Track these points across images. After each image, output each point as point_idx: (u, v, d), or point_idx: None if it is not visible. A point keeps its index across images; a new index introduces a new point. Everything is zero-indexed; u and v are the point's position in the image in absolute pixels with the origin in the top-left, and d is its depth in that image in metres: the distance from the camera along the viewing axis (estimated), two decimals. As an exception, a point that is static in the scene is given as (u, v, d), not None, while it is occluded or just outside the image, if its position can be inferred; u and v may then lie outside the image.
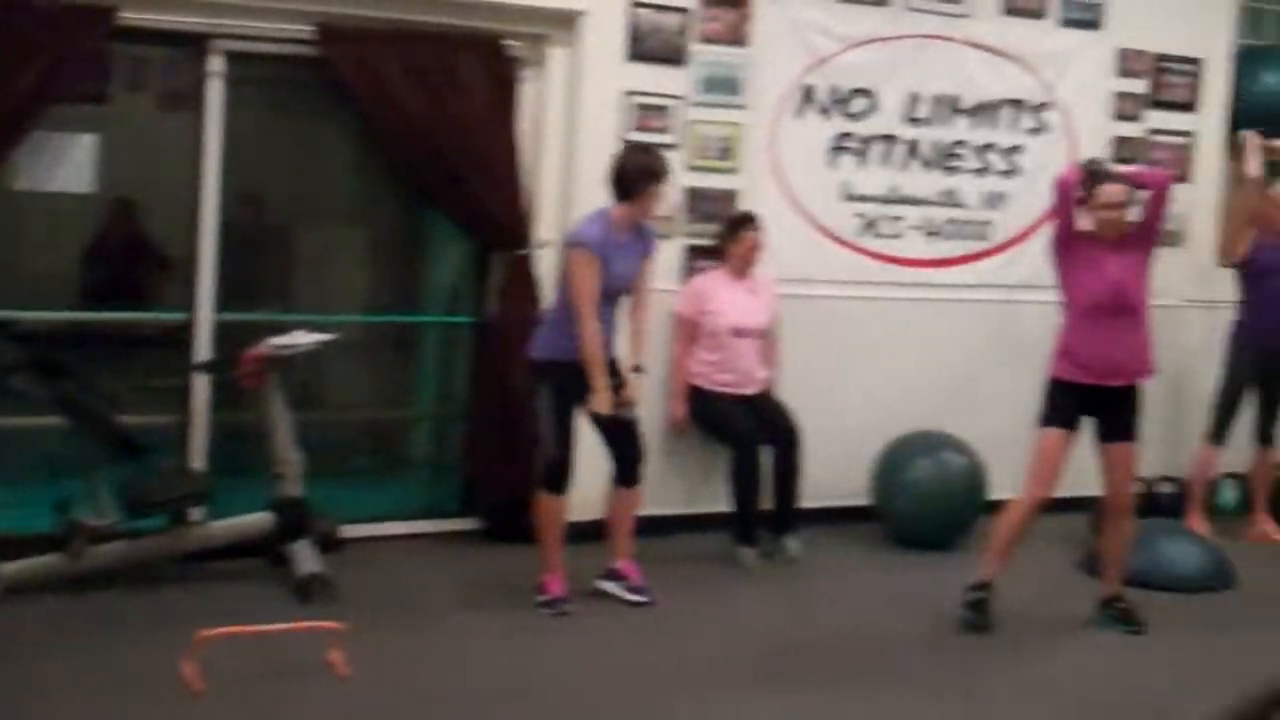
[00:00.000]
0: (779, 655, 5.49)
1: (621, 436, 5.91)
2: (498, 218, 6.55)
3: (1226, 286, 7.61)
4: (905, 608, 6.11)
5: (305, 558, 5.83)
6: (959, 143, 7.53)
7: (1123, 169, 6.11)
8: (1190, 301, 8.02)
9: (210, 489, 6.05)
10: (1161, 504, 7.73)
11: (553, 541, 5.86)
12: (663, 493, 6.64)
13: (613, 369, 5.75)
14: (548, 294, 6.61)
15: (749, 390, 6.81)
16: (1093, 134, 7.77)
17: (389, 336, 7.20)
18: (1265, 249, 7.43)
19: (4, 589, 5.40)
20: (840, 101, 7.24)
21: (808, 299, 7.17)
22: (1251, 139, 7.57)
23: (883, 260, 7.44)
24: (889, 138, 7.38)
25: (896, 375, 7.41)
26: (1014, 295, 7.54)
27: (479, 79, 6.46)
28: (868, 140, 7.33)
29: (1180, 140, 8.03)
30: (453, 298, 7.09)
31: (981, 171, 7.61)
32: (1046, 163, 7.41)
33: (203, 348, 6.31)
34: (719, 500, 6.75)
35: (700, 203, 6.95)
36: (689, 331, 6.79)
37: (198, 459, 6.34)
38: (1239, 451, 7.67)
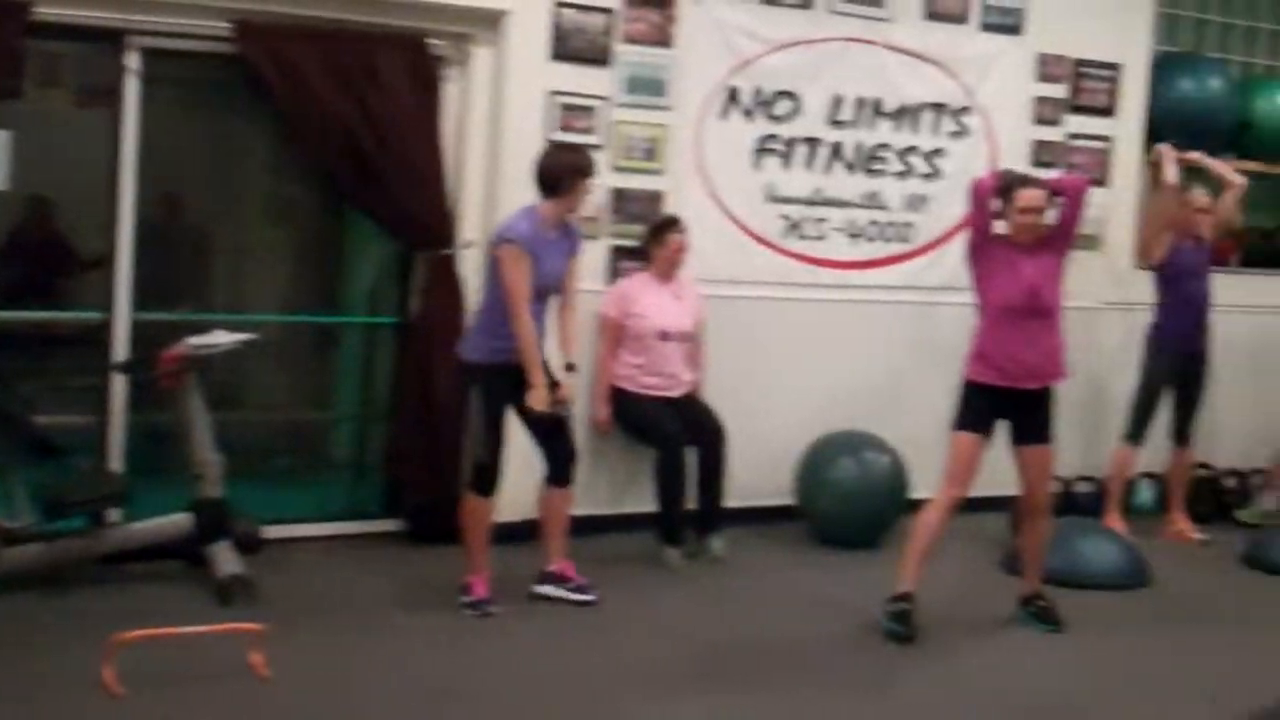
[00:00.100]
0: (703, 656, 5.49)
1: (554, 435, 5.88)
2: (421, 217, 6.51)
3: (1144, 289, 7.70)
4: (828, 607, 6.13)
5: (225, 559, 5.77)
6: (882, 145, 7.58)
7: (1041, 176, 6.17)
8: (1108, 304, 8.12)
9: (128, 490, 5.99)
10: (1079, 503, 7.83)
11: (479, 543, 5.82)
12: (588, 493, 6.62)
13: (544, 369, 5.72)
14: (472, 294, 6.59)
15: (675, 393, 6.81)
16: (1013, 138, 7.85)
17: (310, 337, 7.13)
18: (1182, 252, 7.53)
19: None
20: (764, 103, 7.27)
21: (732, 300, 7.18)
22: (1167, 152, 7.66)
23: (806, 262, 7.48)
24: (813, 140, 7.41)
25: (820, 376, 7.44)
26: (935, 297, 7.60)
27: (402, 78, 6.42)
28: (792, 142, 7.36)
29: (1099, 145, 8.12)
30: (375, 298, 7.04)
31: (904, 174, 7.66)
32: (968, 166, 7.47)
33: (120, 347, 6.23)
34: (645, 500, 6.76)
35: (625, 203, 6.94)
36: (614, 334, 6.78)
37: (116, 460, 6.26)
38: (1156, 451, 7.77)
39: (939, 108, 7.69)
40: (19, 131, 6.47)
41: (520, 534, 6.26)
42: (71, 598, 5.60)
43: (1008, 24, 7.81)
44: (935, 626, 5.81)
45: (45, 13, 5.77)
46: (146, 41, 6.12)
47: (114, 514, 6.02)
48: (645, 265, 6.87)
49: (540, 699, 4.95)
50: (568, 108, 6.75)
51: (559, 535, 6.01)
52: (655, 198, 7.00)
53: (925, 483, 6.64)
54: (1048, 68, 7.95)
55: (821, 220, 7.49)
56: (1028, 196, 5.71)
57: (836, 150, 7.47)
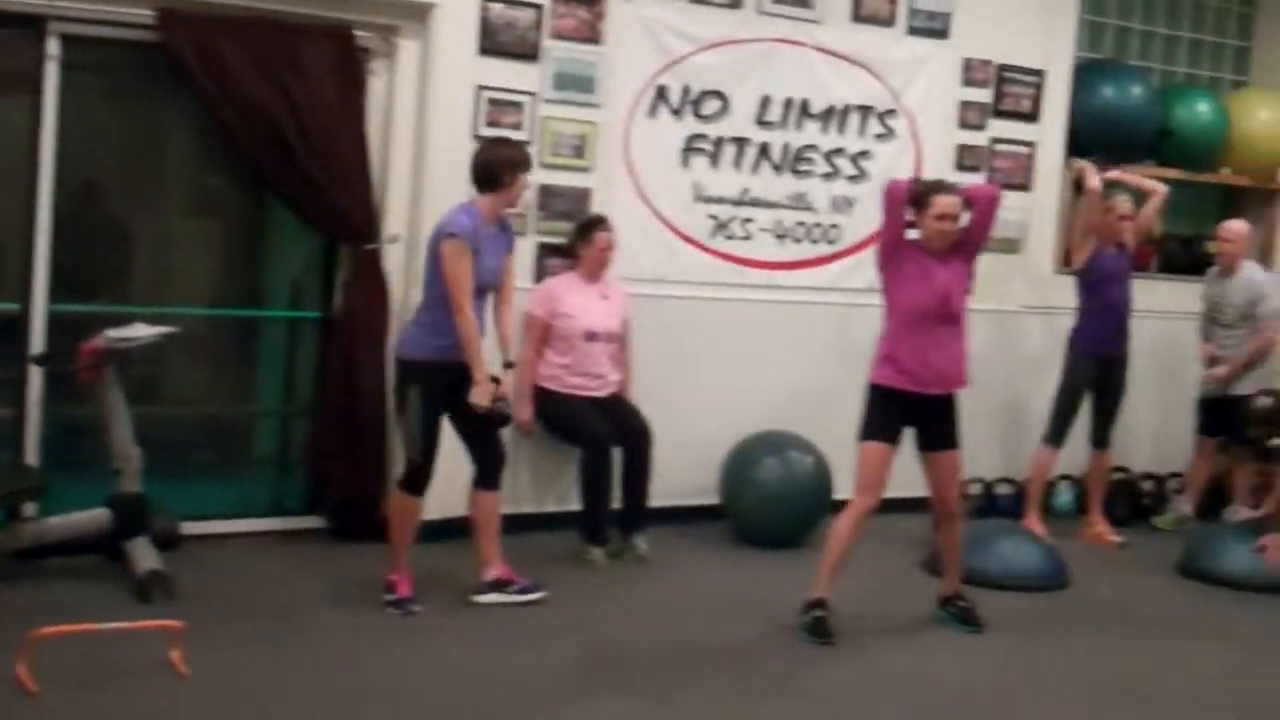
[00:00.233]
0: (624, 656, 5.48)
1: (486, 437, 5.82)
2: (345, 211, 6.45)
3: (1065, 293, 7.78)
4: (751, 607, 6.14)
5: (144, 555, 5.70)
6: (809, 147, 7.61)
7: (955, 184, 6.20)
8: (1029, 308, 8.21)
9: (45, 484, 5.91)
10: (999, 505, 7.92)
11: (404, 542, 5.77)
12: (513, 491, 6.58)
13: (484, 366, 5.66)
14: (397, 289, 6.54)
15: (602, 393, 6.79)
16: (938, 142, 7.91)
17: (232, 331, 7.04)
18: (1104, 258, 7.60)
19: None
20: (693, 102, 7.28)
21: (659, 299, 7.19)
22: (1088, 167, 7.65)
23: (733, 262, 7.50)
24: (741, 140, 7.43)
25: (746, 376, 7.45)
26: (861, 299, 7.58)
27: (327, 69, 6.37)
28: (720, 142, 7.38)
29: (1022, 150, 8.20)
30: (298, 292, 6.97)
31: (830, 176, 7.69)
32: (894, 168, 7.50)
33: (37, 339, 6.14)
34: (569, 499, 6.74)
35: (553, 200, 6.92)
36: (540, 333, 6.75)
37: (32, 454, 6.17)
38: (1075, 454, 7.85)
39: (866, 110, 7.73)
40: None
41: (446, 533, 6.22)
42: (-15, 593, 5.51)
43: (934, 28, 7.87)
44: (856, 626, 5.83)
45: (-37, -3, 5.67)
46: (68, 28, 6.04)
47: (30, 509, 5.94)
48: (572, 264, 6.85)
49: (461, 699, 4.92)
50: (495, 103, 6.72)
51: (493, 540, 5.93)
52: (583, 195, 6.99)
53: (849, 484, 6.64)
54: (973, 72, 8.02)
55: (749, 221, 7.51)
56: (944, 203, 5.73)
57: (764, 150, 7.49)
